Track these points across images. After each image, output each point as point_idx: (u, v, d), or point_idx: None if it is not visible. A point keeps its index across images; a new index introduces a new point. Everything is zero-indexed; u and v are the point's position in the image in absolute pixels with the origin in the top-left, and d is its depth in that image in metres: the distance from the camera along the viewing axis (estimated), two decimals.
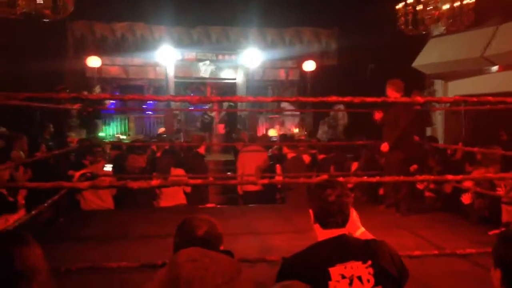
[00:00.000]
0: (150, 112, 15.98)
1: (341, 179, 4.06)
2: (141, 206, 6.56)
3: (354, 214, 2.19)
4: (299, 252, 2.06)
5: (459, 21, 7.26)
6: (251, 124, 14.93)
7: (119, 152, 8.45)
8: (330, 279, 1.88)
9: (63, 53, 14.17)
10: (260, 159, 7.97)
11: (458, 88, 10.74)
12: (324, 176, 5.59)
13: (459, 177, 5.16)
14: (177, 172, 6.83)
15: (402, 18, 7.51)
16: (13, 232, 1.46)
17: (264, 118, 16.29)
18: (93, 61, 13.91)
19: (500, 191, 5.31)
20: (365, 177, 5.11)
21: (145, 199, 6.62)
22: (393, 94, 5.85)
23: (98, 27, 14.89)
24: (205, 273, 1.61)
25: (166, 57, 14.51)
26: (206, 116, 15.54)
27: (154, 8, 14.55)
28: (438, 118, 11.67)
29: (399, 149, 5.94)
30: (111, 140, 13.52)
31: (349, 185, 6.79)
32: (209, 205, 7.32)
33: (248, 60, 15.13)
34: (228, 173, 10.04)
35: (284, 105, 16.02)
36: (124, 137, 14.56)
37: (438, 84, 11.68)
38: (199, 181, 5.37)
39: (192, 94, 17.26)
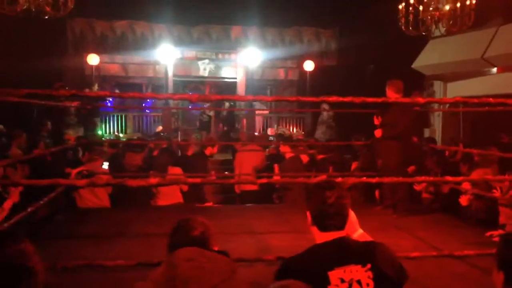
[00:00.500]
0: (148, 111, 15.96)
1: (339, 179, 4.06)
2: (137, 205, 6.54)
3: (352, 215, 2.16)
4: (296, 255, 2.02)
5: (460, 22, 7.24)
6: (250, 124, 14.92)
7: (116, 150, 8.43)
8: (329, 283, 1.85)
9: (63, 50, 14.15)
10: (258, 158, 7.96)
11: (457, 90, 10.74)
12: (323, 176, 5.58)
13: (458, 178, 5.16)
14: (175, 171, 6.81)
15: (403, 19, 7.49)
16: (5, 231, 1.43)
17: (262, 118, 16.29)
18: (93, 59, 13.89)
19: (496, 193, 5.31)
20: (364, 178, 5.10)
21: (141, 197, 6.60)
22: (393, 94, 5.84)
23: (98, 25, 14.88)
24: (202, 273, 1.60)
25: (166, 55, 14.49)
26: (204, 115, 15.53)
27: (154, 6, 14.54)
28: (436, 119, 11.68)
29: (397, 150, 5.93)
30: (109, 138, 13.50)
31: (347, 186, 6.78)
32: (207, 204, 7.30)
33: (248, 60, 15.12)
34: (226, 172, 10.01)
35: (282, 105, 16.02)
36: (122, 135, 14.54)
37: (437, 86, 11.69)
38: (197, 180, 5.35)
39: (190, 93, 17.24)
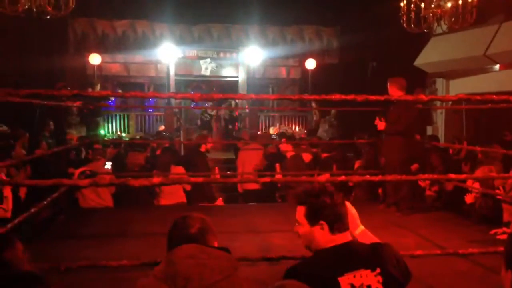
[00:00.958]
0: (150, 110, 15.95)
1: (342, 177, 4.06)
2: (140, 204, 6.55)
3: (353, 212, 2.14)
4: (304, 260, 2.00)
5: (462, 20, 7.21)
6: (252, 123, 14.91)
7: (119, 150, 8.45)
8: None
9: (64, 50, 14.13)
10: (260, 157, 7.96)
11: (459, 87, 10.71)
12: (326, 175, 5.57)
13: (462, 176, 5.14)
14: (177, 170, 6.82)
15: (405, 16, 7.46)
16: (26, 274, 1.40)
17: (264, 117, 16.28)
18: (94, 59, 13.89)
19: (499, 191, 5.30)
20: (368, 176, 5.09)
21: (144, 197, 6.61)
22: (396, 92, 5.82)
23: (100, 25, 14.86)
24: (203, 270, 1.60)
25: (167, 54, 14.48)
26: (206, 115, 15.53)
27: (155, 5, 14.52)
28: (439, 117, 11.65)
29: (400, 148, 5.92)
30: (111, 137, 13.51)
31: (350, 184, 6.78)
32: (217, 201, 7.32)
33: (249, 58, 15.11)
34: (228, 172, 10.02)
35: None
36: (124, 134, 14.55)
37: (440, 83, 11.66)
38: (199, 179, 5.34)
39: (192, 92, 17.24)
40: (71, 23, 14.33)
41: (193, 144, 8.21)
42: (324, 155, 8.06)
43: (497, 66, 9.65)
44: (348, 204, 2.09)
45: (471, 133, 10.29)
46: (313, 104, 12.97)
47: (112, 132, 14.67)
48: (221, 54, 15.48)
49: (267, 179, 4.98)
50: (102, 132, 13.61)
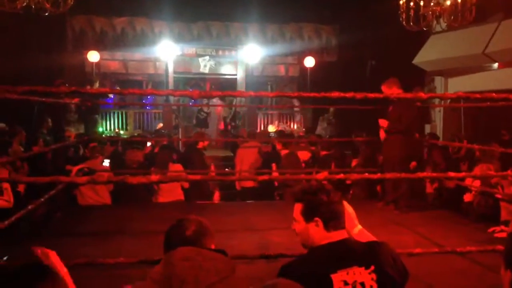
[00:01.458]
0: (148, 108, 15.93)
1: (341, 175, 4.06)
2: (138, 202, 6.54)
3: (351, 211, 2.14)
4: (298, 257, 2.01)
5: (461, 18, 7.21)
6: (251, 121, 14.90)
7: (116, 147, 8.43)
8: (332, 286, 1.83)
9: (63, 47, 14.10)
10: (259, 155, 7.95)
11: (458, 85, 10.72)
12: (324, 173, 5.56)
13: (461, 174, 5.14)
14: (176, 168, 6.81)
15: (404, 14, 7.46)
16: (34, 265, 1.34)
17: (263, 115, 16.27)
18: (93, 56, 13.86)
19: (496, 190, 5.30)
20: (367, 174, 5.09)
21: (142, 194, 6.60)
22: (397, 91, 5.84)
23: (98, 22, 14.82)
24: (198, 272, 1.60)
25: (166, 52, 14.45)
26: (202, 113, 15.54)
27: (154, 3, 14.49)
28: (437, 115, 11.66)
29: (399, 145, 5.92)
30: (109, 135, 13.49)
31: (348, 182, 6.78)
32: (215, 196, 7.32)
33: (248, 56, 15.09)
34: (226, 169, 10.01)
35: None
36: (122, 132, 14.53)
37: (438, 81, 11.66)
38: (198, 176, 5.35)
39: (191, 90, 17.21)
40: (70, 20, 14.30)
41: (191, 142, 8.20)
42: (323, 153, 8.06)
43: (496, 64, 9.66)
44: (345, 203, 2.09)
45: (470, 131, 10.30)
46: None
47: (110, 129, 14.65)
48: (220, 52, 15.44)
49: (265, 177, 4.98)
50: (100, 129, 13.60)
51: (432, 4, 7.28)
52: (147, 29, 15.03)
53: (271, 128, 14.96)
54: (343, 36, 15.42)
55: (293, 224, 2.07)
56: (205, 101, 14.82)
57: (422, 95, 4.82)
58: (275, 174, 7.28)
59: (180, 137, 13.09)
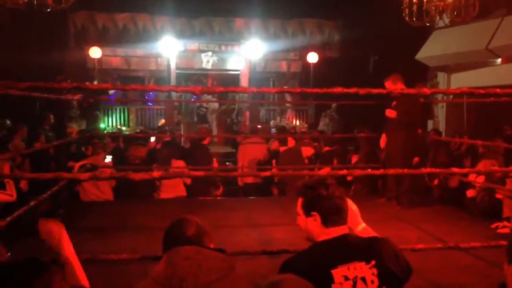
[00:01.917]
0: (150, 104, 15.92)
1: (344, 171, 4.04)
2: (141, 198, 6.54)
3: (354, 208, 2.12)
4: (299, 253, 2.00)
5: (464, 13, 7.17)
6: (253, 116, 14.89)
7: (118, 144, 8.43)
8: (333, 281, 1.82)
9: (64, 43, 14.10)
10: (260, 151, 7.94)
11: (461, 81, 10.68)
12: (327, 169, 5.56)
13: (465, 170, 5.12)
14: (178, 164, 6.81)
15: (407, 10, 7.43)
16: (33, 261, 1.34)
17: (265, 110, 16.25)
18: (95, 52, 13.84)
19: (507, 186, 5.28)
20: (369, 170, 5.07)
21: (145, 190, 6.60)
22: (401, 86, 5.82)
23: (100, 18, 14.80)
24: (198, 271, 1.60)
25: (168, 48, 14.43)
26: (202, 108, 15.52)
27: None
28: (440, 110, 11.62)
29: (402, 141, 5.90)
30: (112, 131, 13.49)
31: (349, 178, 6.78)
32: (216, 192, 7.32)
33: (250, 52, 15.06)
34: (227, 163, 10.01)
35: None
36: (124, 128, 14.53)
37: (441, 77, 11.63)
38: (200, 172, 5.33)
39: (193, 86, 17.16)
40: (71, 16, 14.28)
41: (197, 138, 8.17)
42: (326, 149, 8.05)
43: (499, 60, 9.62)
44: (349, 201, 2.07)
45: (472, 127, 10.27)
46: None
47: (112, 125, 14.66)
48: (223, 48, 15.42)
49: (267, 173, 4.97)
50: (102, 125, 13.60)
51: None
52: (149, 25, 15.00)
53: (274, 124, 14.93)
54: (345, 32, 15.37)
55: (298, 218, 2.07)
56: (205, 97, 14.82)
57: (426, 90, 4.80)
58: (278, 170, 7.27)
59: (182, 133, 13.08)
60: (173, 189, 6.72)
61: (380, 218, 4.91)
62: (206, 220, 1.96)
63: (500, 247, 3.69)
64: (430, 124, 11.19)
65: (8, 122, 7.94)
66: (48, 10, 7.08)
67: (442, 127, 11.09)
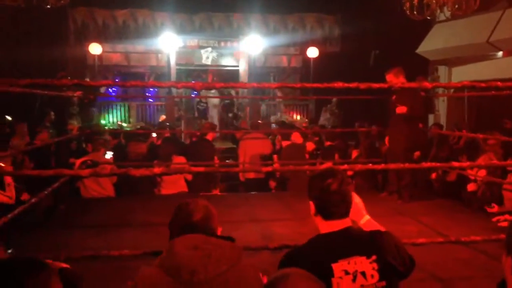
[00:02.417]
0: (151, 100, 15.91)
1: (345, 166, 4.04)
2: (142, 194, 6.55)
3: (358, 201, 2.10)
4: (299, 246, 1.99)
5: (465, 6, 7.15)
6: (254, 112, 14.87)
7: (119, 140, 8.43)
8: (332, 275, 1.81)
9: (64, 40, 14.08)
10: (262, 146, 7.93)
11: (462, 74, 10.66)
12: (328, 164, 5.55)
13: (466, 164, 5.12)
14: (179, 160, 6.81)
15: (407, 3, 7.40)
16: (26, 259, 1.35)
17: (266, 106, 16.22)
18: (95, 48, 13.82)
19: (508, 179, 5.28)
20: (370, 165, 5.07)
21: (146, 186, 6.61)
22: (403, 79, 5.80)
23: (100, 14, 14.76)
24: (208, 261, 1.58)
25: (168, 44, 14.40)
26: (201, 104, 15.52)
27: None
28: (441, 104, 11.60)
29: (404, 135, 5.89)
30: (112, 127, 13.48)
31: (350, 172, 6.78)
32: (214, 191, 7.31)
33: (250, 47, 15.02)
34: (227, 160, 10.00)
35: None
36: (125, 124, 14.53)
37: (442, 70, 11.60)
38: (201, 168, 5.33)
39: (193, 82, 17.16)
40: (71, 13, 14.25)
41: (200, 133, 8.16)
42: (327, 143, 8.04)
43: (500, 53, 9.59)
44: (353, 193, 2.05)
45: (473, 121, 10.26)
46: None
47: (113, 122, 14.65)
48: (222, 43, 15.38)
49: (269, 169, 4.97)
50: (102, 122, 13.59)
51: None
52: (149, 21, 14.97)
53: (274, 119, 14.91)
54: (346, 26, 15.31)
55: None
56: (205, 92, 14.79)
57: (427, 84, 4.78)
58: (276, 165, 7.27)
59: (182, 129, 13.07)
60: (174, 185, 6.72)
61: (381, 212, 4.90)
62: None
63: (501, 241, 3.69)
64: (431, 118, 11.17)
65: (9, 118, 7.95)
66: (48, 6, 7.07)
67: (443, 121, 11.07)
